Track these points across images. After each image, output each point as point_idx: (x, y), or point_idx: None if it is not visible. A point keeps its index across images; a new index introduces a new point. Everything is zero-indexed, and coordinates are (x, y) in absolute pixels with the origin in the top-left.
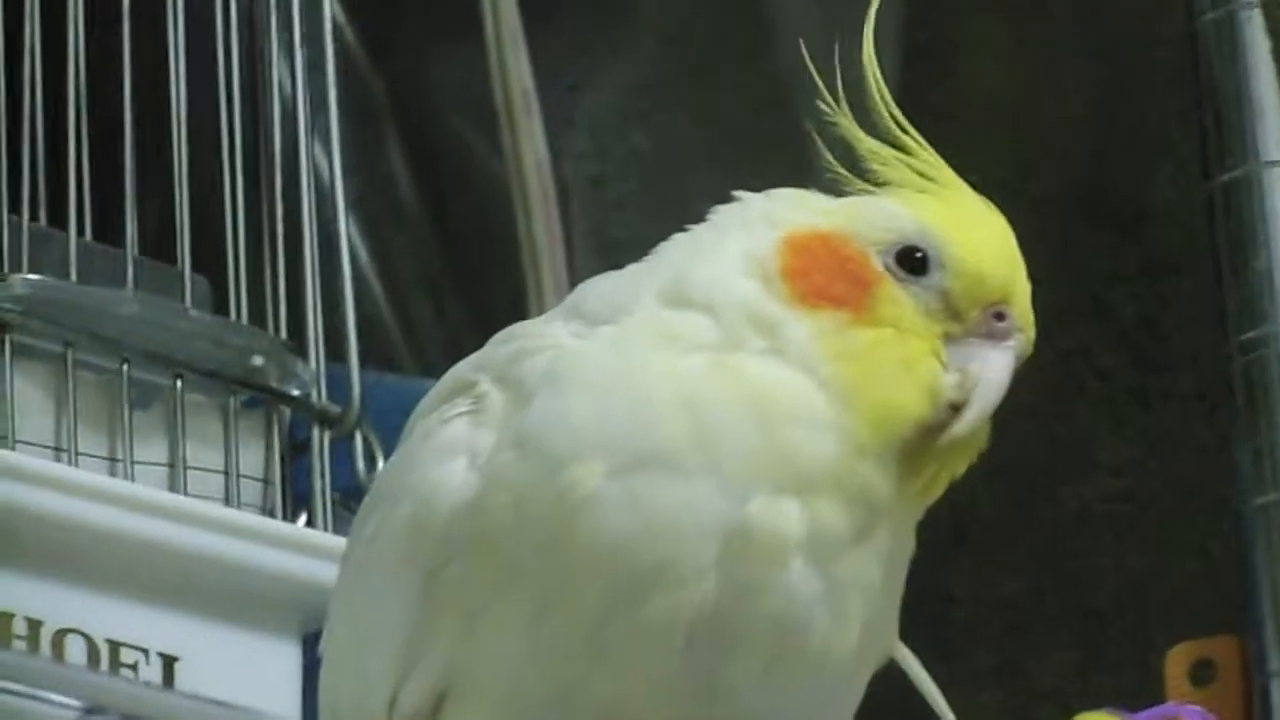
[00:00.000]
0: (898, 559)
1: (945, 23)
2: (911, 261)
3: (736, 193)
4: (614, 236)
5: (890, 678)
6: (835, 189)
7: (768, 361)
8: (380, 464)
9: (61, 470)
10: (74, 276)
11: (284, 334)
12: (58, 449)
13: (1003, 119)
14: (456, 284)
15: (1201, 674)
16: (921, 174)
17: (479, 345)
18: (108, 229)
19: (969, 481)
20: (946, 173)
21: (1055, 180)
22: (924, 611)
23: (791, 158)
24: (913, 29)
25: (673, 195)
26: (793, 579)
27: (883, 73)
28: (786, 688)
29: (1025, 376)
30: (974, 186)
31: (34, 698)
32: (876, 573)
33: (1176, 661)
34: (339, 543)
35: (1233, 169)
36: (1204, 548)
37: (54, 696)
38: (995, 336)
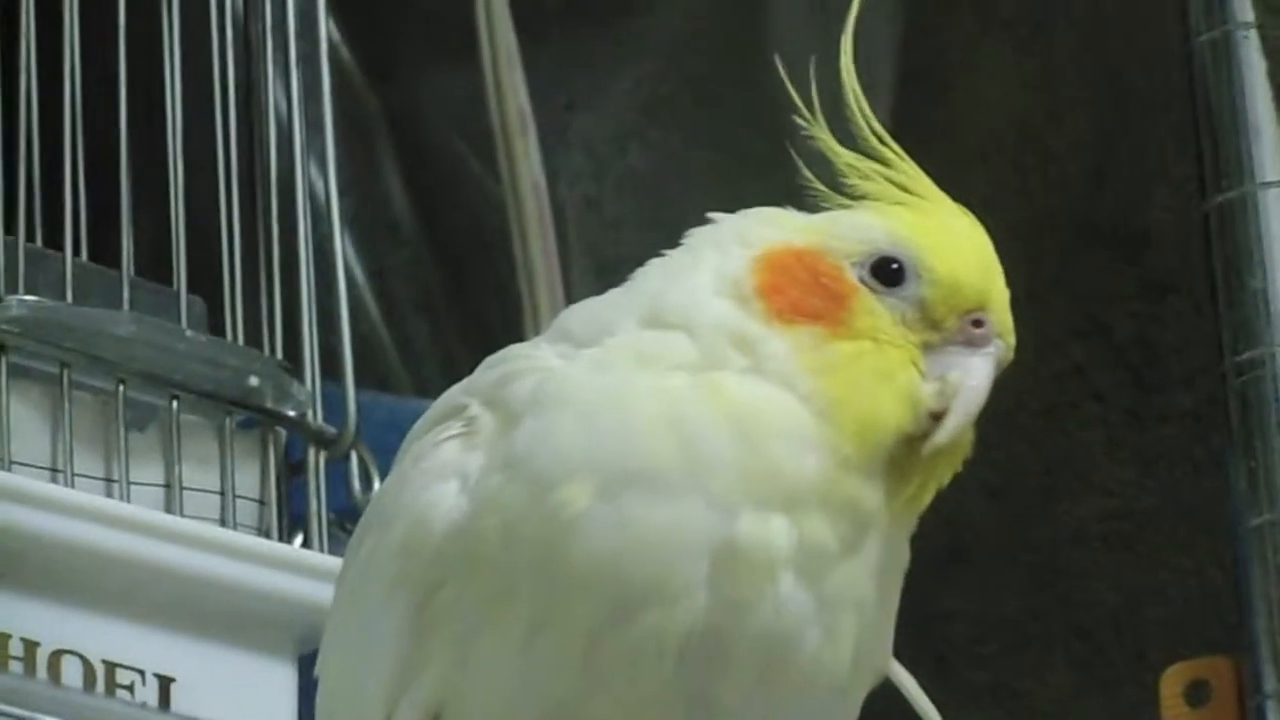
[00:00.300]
0: (891, 572)
1: (943, 44)
2: (886, 273)
3: (711, 214)
4: (610, 256)
5: (886, 695)
6: (825, 207)
7: (748, 379)
8: (376, 484)
9: (57, 491)
10: (70, 297)
11: (280, 354)
12: (54, 470)
13: (1000, 140)
14: (452, 303)
15: (1197, 695)
16: (899, 186)
17: (475, 364)
18: (103, 250)
19: (965, 500)
20: (924, 183)
21: (1052, 201)
22: (920, 630)
23: (788, 177)
24: (910, 51)
25: (669, 215)
26: (782, 594)
27: (880, 94)
28: (779, 704)
29: (1021, 396)
30: (971, 207)
31: None
32: (868, 587)
33: (1172, 682)
34: (335, 563)
35: (1229, 190)
36: (1199, 568)
37: (50, 719)
38: (974, 344)
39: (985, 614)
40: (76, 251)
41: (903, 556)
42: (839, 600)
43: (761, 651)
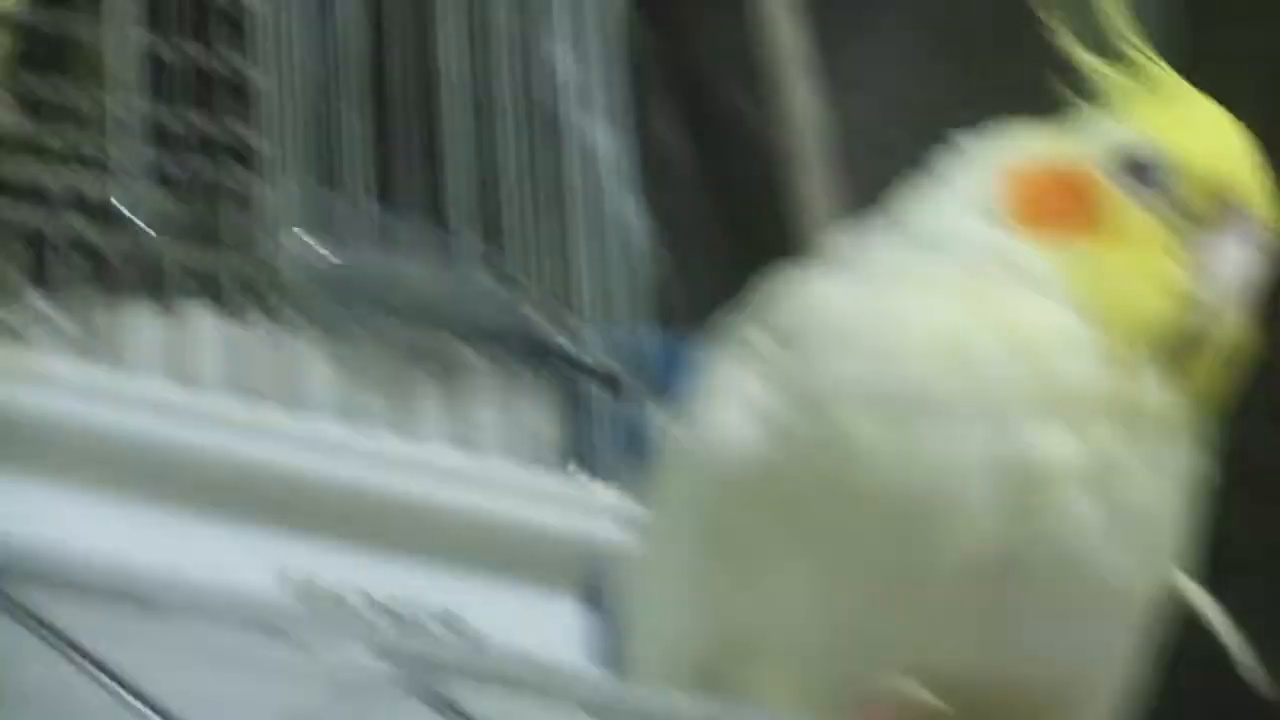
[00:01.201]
0: (1182, 480)
1: None
2: (1137, 171)
3: (962, 137)
4: (889, 192)
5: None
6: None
7: (1012, 293)
8: (660, 421)
9: (350, 436)
10: (356, 245)
11: (561, 295)
12: (342, 415)
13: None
14: (732, 241)
15: None
16: (1146, 86)
17: (752, 298)
18: (384, 195)
19: (1251, 426)
20: (1171, 79)
21: None
22: (1204, 550)
23: (1061, 103)
24: None
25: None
26: (1071, 508)
27: (1147, 20)
28: (1070, 619)
29: None
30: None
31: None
32: (1159, 495)
33: None
34: (621, 501)
35: None
36: None
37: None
38: (1234, 231)
39: (1270, 538)
40: (359, 198)
41: (1196, 465)
42: (1129, 510)
43: (1053, 568)
